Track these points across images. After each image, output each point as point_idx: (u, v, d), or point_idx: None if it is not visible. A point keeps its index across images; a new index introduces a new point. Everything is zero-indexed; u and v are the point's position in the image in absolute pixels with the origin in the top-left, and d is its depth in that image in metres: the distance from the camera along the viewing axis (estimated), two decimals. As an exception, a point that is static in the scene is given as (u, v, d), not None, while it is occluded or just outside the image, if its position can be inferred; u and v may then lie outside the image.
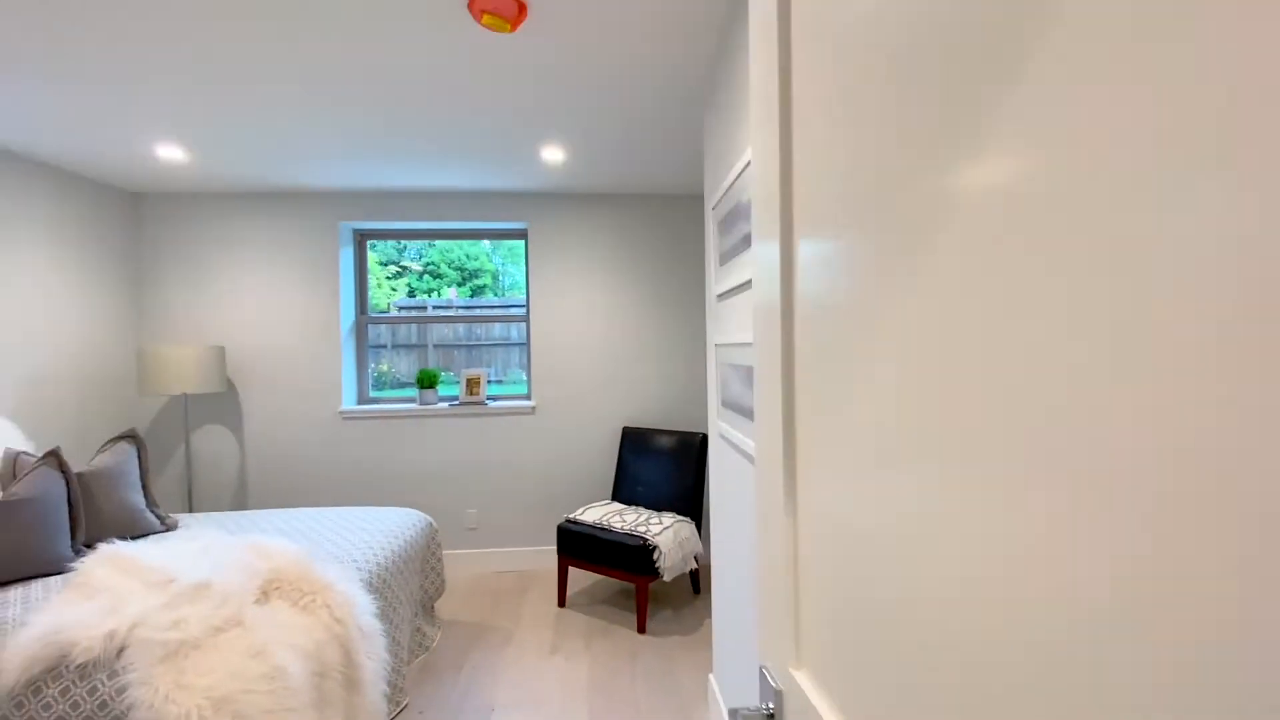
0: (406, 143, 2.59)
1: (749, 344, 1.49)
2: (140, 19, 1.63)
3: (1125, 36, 0.25)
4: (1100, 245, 0.26)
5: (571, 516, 2.97)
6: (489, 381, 3.64)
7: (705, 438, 3.05)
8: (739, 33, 1.51)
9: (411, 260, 4.53)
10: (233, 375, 3.34)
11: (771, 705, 0.63)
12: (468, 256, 4.82)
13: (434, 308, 4.17)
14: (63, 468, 2.07)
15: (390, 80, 1.99)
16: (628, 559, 2.66)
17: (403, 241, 4.23)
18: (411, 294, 4.51)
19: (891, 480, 0.44)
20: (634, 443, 3.29)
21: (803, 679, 0.59)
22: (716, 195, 1.76)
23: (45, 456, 2.05)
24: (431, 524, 2.64)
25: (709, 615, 2.85)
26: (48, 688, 1.38)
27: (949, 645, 0.37)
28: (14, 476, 2.10)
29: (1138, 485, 0.24)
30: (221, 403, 3.34)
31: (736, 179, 1.50)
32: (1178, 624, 0.23)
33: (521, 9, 1.53)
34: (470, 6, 1.52)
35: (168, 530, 2.37)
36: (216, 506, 3.35)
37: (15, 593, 1.75)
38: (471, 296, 4.57)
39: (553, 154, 2.73)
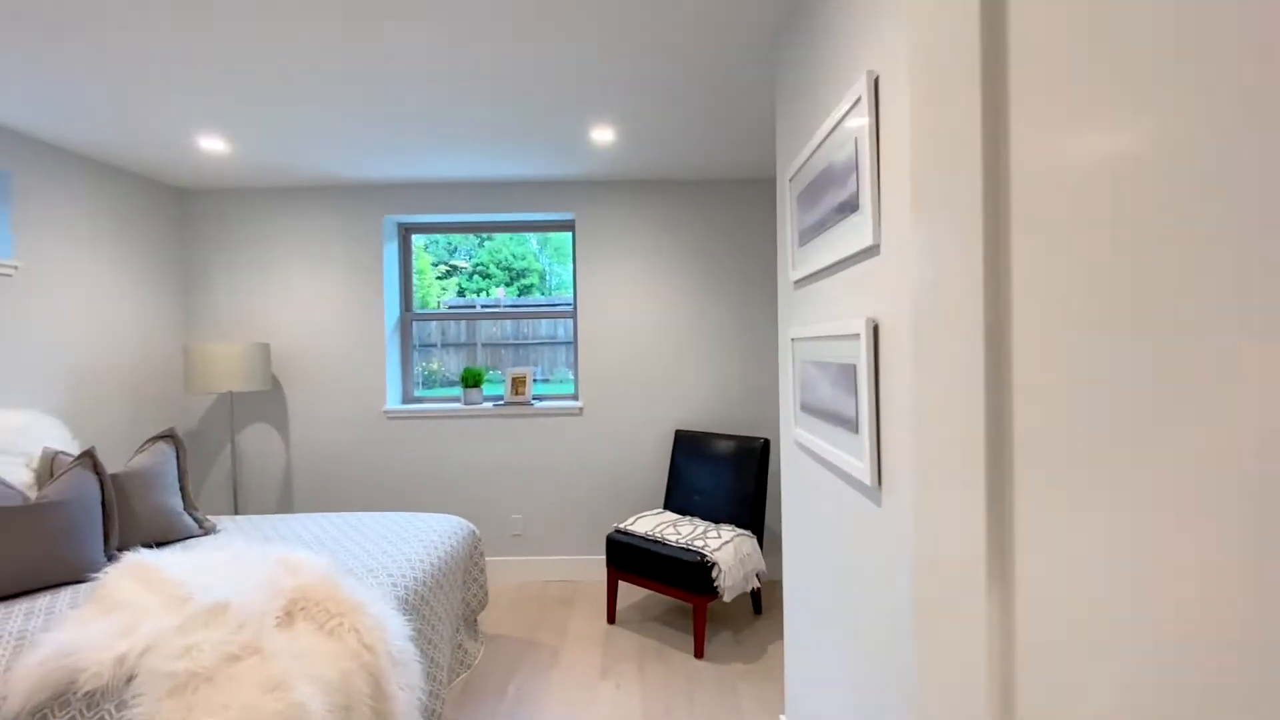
0: (451, 129, 2.43)
1: (841, 337, 1.23)
2: (177, 9, 1.52)
3: None
4: None
5: (621, 526, 2.76)
6: (535, 380, 3.47)
7: (767, 443, 2.78)
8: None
9: (461, 260, 4.43)
10: (277, 372, 3.27)
11: None
12: (515, 256, 4.70)
13: (482, 306, 4.06)
14: (97, 469, 1.98)
15: (430, 65, 1.83)
16: (683, 576, 2.43)
17: (452, 242, 4.14)
18: (461, 293, 4.42)
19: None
20: (688, 447, 3.05)
21: None
22: (795, 164, 1.51)
23: (80, 457, 1.97)
24: (474, 532, 2.47)
25: (773, 640, 2.58)
26: (54, 716, 1.25)
27: None
28: (50, 476, 2.03)
29: None
30: (267, 401, 3.28)
31: (831, 132, 1.25)
32: None
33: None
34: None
35: (205, 534, 2.28)
36: (262, 507, 3.30)
37: (42, 601, 1.66)
38: (519, 296, 4.44)
39: (602, 134, 2.52)
